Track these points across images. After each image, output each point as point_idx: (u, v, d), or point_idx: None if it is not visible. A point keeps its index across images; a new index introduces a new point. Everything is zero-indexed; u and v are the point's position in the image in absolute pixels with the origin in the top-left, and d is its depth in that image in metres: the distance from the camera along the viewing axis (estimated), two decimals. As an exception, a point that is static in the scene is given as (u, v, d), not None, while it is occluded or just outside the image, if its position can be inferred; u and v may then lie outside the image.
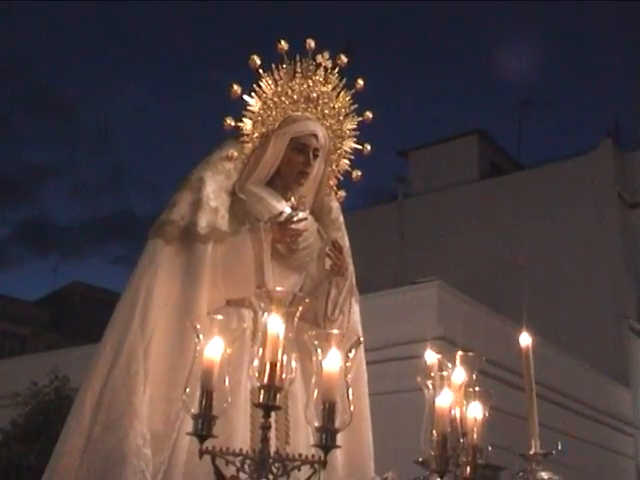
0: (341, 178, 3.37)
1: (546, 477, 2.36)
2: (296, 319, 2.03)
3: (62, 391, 10.59)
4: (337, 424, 1.93)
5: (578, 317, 14.51)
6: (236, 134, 3.17)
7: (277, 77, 3.15)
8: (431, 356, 2.57)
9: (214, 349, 2.00)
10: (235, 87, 3.11)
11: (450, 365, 2.55)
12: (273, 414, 1.98)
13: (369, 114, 3.32)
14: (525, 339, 2.68)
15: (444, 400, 2.39)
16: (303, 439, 2.89)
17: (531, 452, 2.49)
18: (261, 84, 3.14)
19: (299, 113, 3.20)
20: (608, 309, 14.89)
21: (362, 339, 2.35)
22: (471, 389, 2.57)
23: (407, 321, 9.65)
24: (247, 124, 3.15)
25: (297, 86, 3.18)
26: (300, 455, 1.94)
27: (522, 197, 16.50)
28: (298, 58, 3.16)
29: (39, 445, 9.61)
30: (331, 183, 3.36)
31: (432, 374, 2.47)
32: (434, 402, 2.37)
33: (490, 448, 2.63)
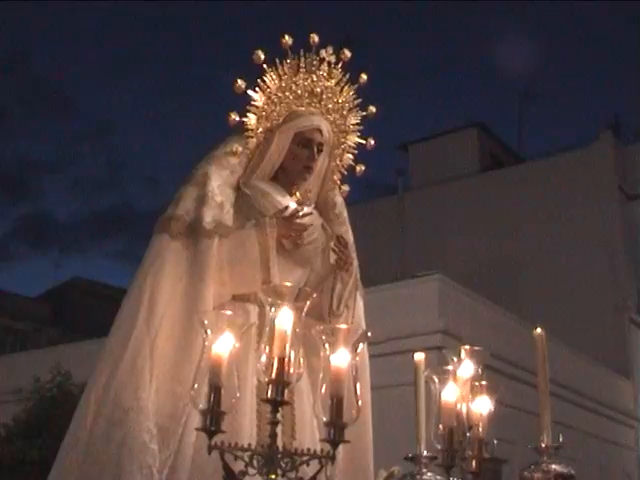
0: (345, 173, 3.37)
1: (559, 469, 2.34)
2: (303, 314, 2.04)
3: (64, 387, 10.60)
4: (344, 419, 1.93)
5: (578, 309, 14.54)
6: (240, 129, 3.16)
7: (281, 72, 3.15)
8: (419, 355, 2.56)
9: (222, 344, 2.00)
10: (239, 82, 3.10)
11: (455, 359, 2.55)
12: (280, 409, 1.98)
13: (373, 109, 3.30)
14: (539, 331, 2.63)
15: (449, 394, 2.40)
16: (308, 434, 2.90)
17: (543, 445, 2.45)
18: (265, 79, 3.13)
19: (303, 108, 3.19)
20: (608, 301, 14.92)
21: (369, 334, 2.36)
22: (477, 383, 2.57)
23: (408, 315, 9.67)
24: (251, 119, 3.14)
25: (301, 81, 3.18)
26: (309, 450, 1.95)
27: (522, 190, 16.51)
28: (302, 53, 3.15)
29: (42, 441, 9.63)
30: (335, 178, 3.36)
31: (427, 371, 2.47)
32: (439, 396, 2.38)
33: (496, 442, 2.62)
